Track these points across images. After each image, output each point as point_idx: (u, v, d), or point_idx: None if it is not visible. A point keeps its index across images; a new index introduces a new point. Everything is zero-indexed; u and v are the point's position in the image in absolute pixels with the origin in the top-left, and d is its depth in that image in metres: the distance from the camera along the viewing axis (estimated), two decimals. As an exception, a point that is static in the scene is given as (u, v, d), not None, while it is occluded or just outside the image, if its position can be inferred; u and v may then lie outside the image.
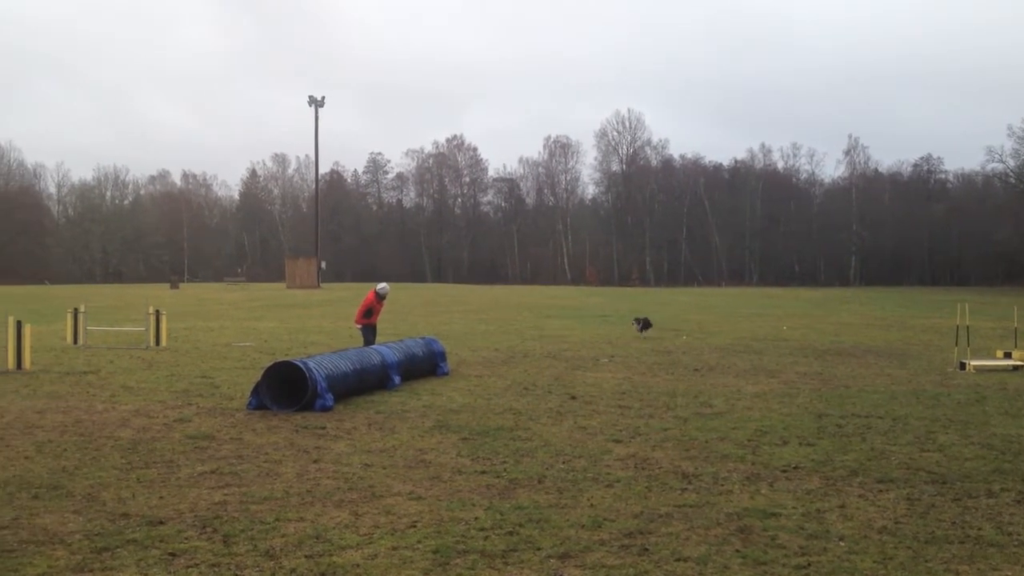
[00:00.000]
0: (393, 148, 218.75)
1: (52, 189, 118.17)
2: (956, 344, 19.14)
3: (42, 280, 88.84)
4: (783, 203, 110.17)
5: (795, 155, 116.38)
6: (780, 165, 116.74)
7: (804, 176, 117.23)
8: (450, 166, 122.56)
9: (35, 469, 8.67)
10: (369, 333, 18.50)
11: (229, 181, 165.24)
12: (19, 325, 16.71)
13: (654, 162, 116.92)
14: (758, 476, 8.57)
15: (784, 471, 8.79)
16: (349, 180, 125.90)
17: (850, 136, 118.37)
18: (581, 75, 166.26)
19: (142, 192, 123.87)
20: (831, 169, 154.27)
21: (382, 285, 19.23)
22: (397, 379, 14.78)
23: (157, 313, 22.20)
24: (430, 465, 8.99)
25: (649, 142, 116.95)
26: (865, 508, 7.43)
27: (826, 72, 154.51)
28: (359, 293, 56.98)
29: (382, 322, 20.16)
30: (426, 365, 16.26)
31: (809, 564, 6.01)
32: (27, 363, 16.79)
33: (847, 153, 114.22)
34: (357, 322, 18.92)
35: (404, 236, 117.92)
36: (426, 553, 6.18)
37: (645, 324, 25.23)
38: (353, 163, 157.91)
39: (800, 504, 7.53)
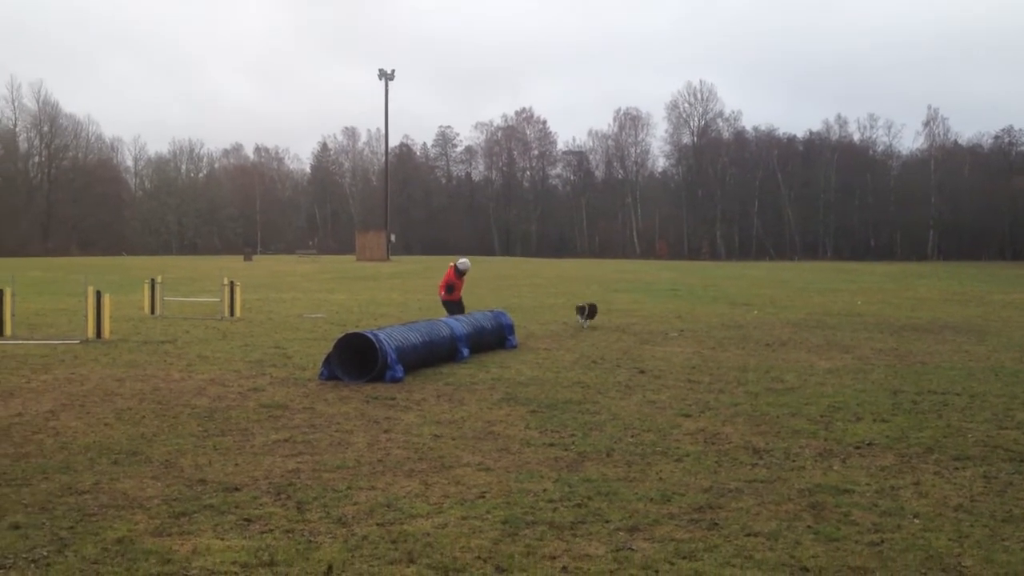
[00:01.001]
0: (462, 122, 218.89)
1: (129, 162, 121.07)
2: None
3: (120, 252, 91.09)
4: (859, 175, 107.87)
5: (872, 126, 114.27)
6: (856, 137, 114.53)
7: (881, 148, 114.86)
8: (519, 139, 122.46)
9: (115, 435, 8.91)
10: (453, 307, 18.29)
11: (301, 154, 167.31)
12: (99, 295, 17.14)
13: (726, 134, 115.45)
14: (831, 452, 8.45)
15: (857, 447, 8.66)
16: (418, 153, 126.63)
17: (929, 107, 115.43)
18: (651, 47, 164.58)
19: (216, 165, 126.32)
20: (909, 141, 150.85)
21: (462, 261, 19.07)
22: (466, 351, 14.86)
23: (231, 284, 22.59)
24: (499, 437, 9.04)
25: (721, 114, 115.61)
26: (940, 486, 7.29)
27: (904, 41, 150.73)
28: (428, 266, 57.51)
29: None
30: (495, 338, 16.32)
31: (883, 541, 5.92)
32: (107, 332, 17.23)
33: (926, 125, 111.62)
34: (441, 296, 18.86)
35: (473, 209, 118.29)
36: (495, 523, 6.22)
37: (590, 312, 20.80)
38: (422, 137, 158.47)
39: (874, 481, 7.42)
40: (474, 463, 7.93)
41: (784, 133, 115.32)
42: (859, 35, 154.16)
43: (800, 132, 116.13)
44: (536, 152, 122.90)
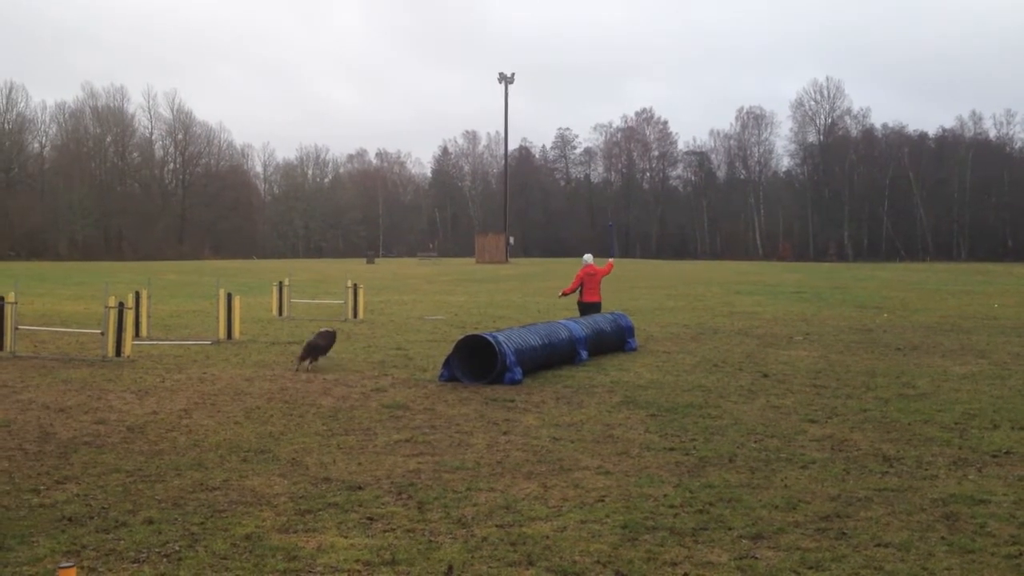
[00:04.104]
0: (581, 124, 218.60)
1: (259, 168, 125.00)
2: None
3: (250, 255, 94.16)
4: (995, 173, 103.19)
5: (1008, 122, 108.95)
6: (992, 133, 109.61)
7: (1019, 145, 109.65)
8: (639, 140, 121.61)
9: (244, 434, 9.19)
10: (588, 309, 17.66)
11: (422, 158, 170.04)
12: (229, 297, 17.72)
13: (854, 132, 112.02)
14: (966, 461, 8.10)
15: (994, 456, 8.27)
16: (537, 156, 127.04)
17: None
18: (774, 45, 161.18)
19: (341, 171, 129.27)
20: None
21: (586, 256, 18.75)
22: (585, 354, 14.81)
23: (355, 287, 23.06)
24: (618, 440, 8.97)
25: (849, 111, 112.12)
26: (1087, 499, 6.90)
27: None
28: (547, 268, 57.62)
29: (569, 298, 20.07)
30: (614, 340, 16.21)
31: (1021, 553, 5.63)
32: (237, 333, 17.81)
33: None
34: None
35: (592, 211, 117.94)
36: (615, 528, 6.16)
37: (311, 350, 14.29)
38: (541, 140, 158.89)
39: (1012, 491, 7.07)
40: (593, 466, 7.88)
41: (915, 130, 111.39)
42: (991, 29, 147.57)
43: (932, 129, 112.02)
44: (656, 153, 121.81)
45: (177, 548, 5.72)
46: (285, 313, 23.09)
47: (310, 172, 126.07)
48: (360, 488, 7.13)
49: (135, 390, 11.85)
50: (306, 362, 13.82)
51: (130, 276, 40.92)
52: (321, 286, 36.96)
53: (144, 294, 18.35)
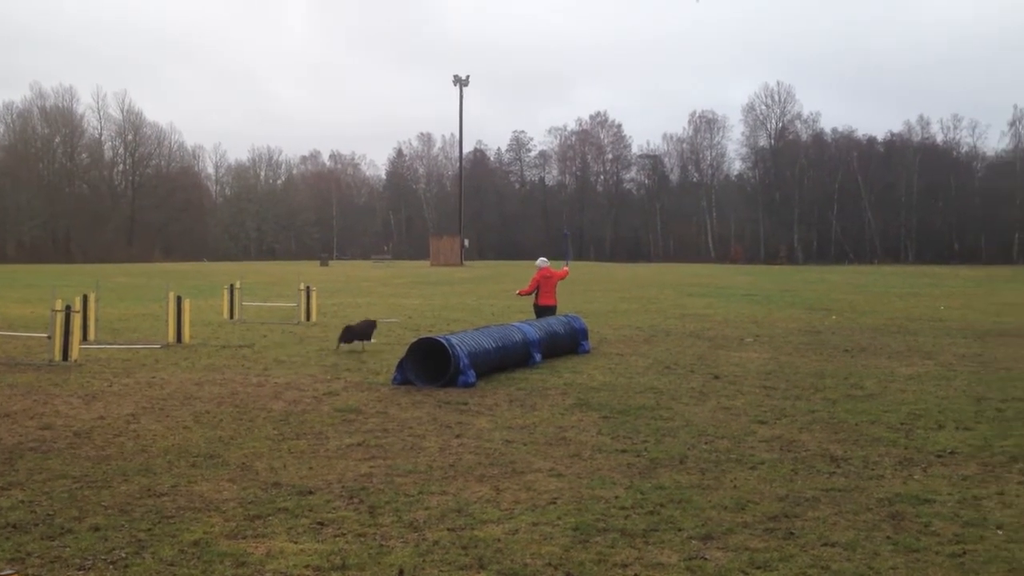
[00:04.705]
0: (536, 127, 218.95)
1: (210, 170, 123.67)
2: None
3: (201, 257, 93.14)
4: (942, 177, 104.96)
5: (955, 127, 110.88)
6: (939, 138, 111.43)
7: (965, 149, 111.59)
8: (593, 143, 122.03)
9: (193, 438, 9.09)
10: (544, 312, 17.72)
11: (377, 160, 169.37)
12: (179, 300, 17.53)
13: (804, 137, 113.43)
14: (911, 461, 8.24)
15: (939, 456, 8.43)
16: (492, 159, 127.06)
17: (1015, 107, 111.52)
18: (725, 50, 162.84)
19: (294, 172, 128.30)
20: (995, 142, 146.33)
21: (540, 259, 18.79)
22: (538, 356, 14.84)
23: (308, 289, 22.92)
24: (570, 443, 9.00)
25: (799, 116, 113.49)
26: (1027, 497, 7.05)
27: (987, 40, 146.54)
28: (502, 271, 57.62)
29: (524, 300, 20.10)
30: (567, 343, 16.26)
31: (964, 552, 5.74)
32: (187, 337, 17.61)
33: (1011, 125, 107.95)
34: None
35: (546, 214, 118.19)
36: (566, 530, 6.18)
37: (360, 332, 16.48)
38: (495, 142, 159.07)
39: (956, 490, 7.20)
40: (545, 469, 7.90)
41: (864, 134, 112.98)
42: (940, 36, 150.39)
43: (880, 134, 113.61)
44: (610, 156, 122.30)
45: (124, 555, 5.64)
46: (236, 316, 22.87)
47: (262, 173, 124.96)
48: (311, 493, 7.08)
49: (82, 395, 11.67)
50: (342, 345, 15.50)
51: (78, 279, 40.27)
52: (274, 289, 36.67)
53: (92, 297, 18.08)
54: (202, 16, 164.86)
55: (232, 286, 23.42)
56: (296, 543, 5.90)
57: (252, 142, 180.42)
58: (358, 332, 16.20)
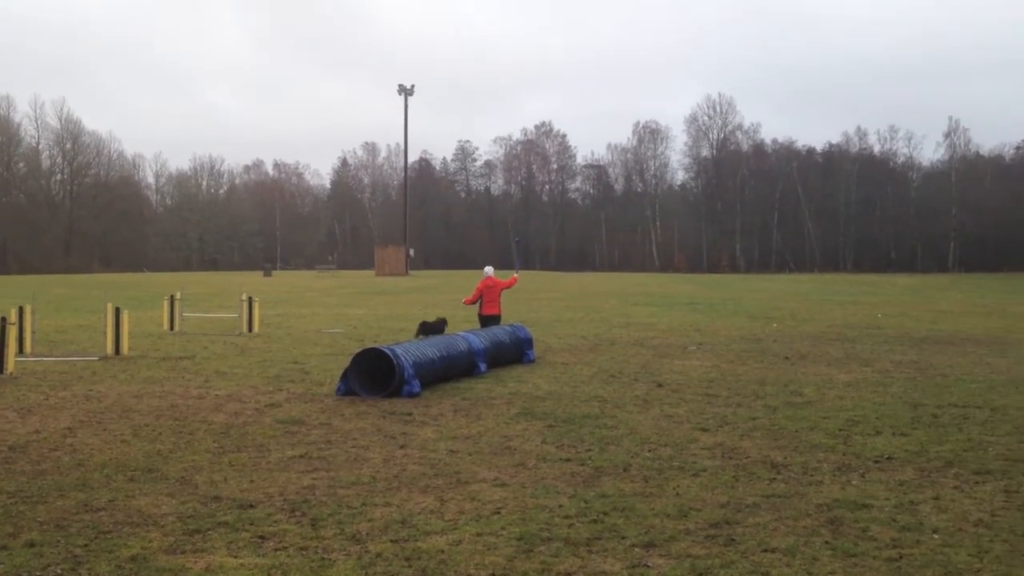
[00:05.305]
0: (481, 137, 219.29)
1: (151, 179, 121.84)
2: (1061, 332, 18.38)
3: (141, 268, 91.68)
4: (880, 187, 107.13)
5: (892, 138, 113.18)
6: (876, 149, 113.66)
7: (901, 160, 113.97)
8: (538, 153, 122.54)
9: (131, 452, 8.93)
10: (489, 322, 17.65)
11: (321, 170, 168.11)
12: (117, 312, 17.24)
13: (745, 147, 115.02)
14: (849, 466, 8.37)
15: (876, 462, 8.57)
16: (438, 168, 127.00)
17: (950, 118, 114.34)
18: (671, 63, 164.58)
19: (237, 181, 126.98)
20: (930, 152, 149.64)
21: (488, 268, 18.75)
22: (483, 366, 14.83)
23: (250, 300, 22.67)
24: (515, 452, 9.00)
25: (740, 127, 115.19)
26: (960, 500, 7.20)
27: (923, 53, 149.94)
28: (448, 280, 57.52)
29: (469, 310, 20.07)
30: (513, 352, 16.27)
31: (901, 557, 5.84)
32: (125, 349, 17.32)
33: (947, 136, 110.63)
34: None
35: (492, 224, 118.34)
36: (510, 540, 6.18)
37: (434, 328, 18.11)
38: (441, 152, 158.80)
39: (893, 495, 7.34)
40: (490, 479, 7.89)
41: (803, 145, 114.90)
42: (877, 47, 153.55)
43: (820, 144, 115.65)
44: (555, 166, 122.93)
45: (60, 571, 5.53)
46: (177, 328, 22.54)
47: (204, 183, 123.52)
48: (251, 506, 7.00)
49: (17, 408, 11.41)
50: (419, 338, 16.22)
51: (14, 290, 39.43)
52: (215, 299, 36.20)
53: (28, 309, 17.70)
54: (140, 25, 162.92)
55: (172, 297, 23.07)
56: (236, 557, 5.82)
57: (194, 151, 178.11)
58: (432, 327, 17.87)
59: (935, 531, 6.39)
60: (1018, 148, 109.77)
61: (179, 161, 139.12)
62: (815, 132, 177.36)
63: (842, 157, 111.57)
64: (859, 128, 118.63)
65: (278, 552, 5.93)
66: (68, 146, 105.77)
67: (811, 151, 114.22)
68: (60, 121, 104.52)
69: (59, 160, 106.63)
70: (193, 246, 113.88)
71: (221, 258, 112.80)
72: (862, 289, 51.40)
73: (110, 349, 17.14)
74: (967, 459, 8.64)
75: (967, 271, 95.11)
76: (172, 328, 22.55)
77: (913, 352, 18.40)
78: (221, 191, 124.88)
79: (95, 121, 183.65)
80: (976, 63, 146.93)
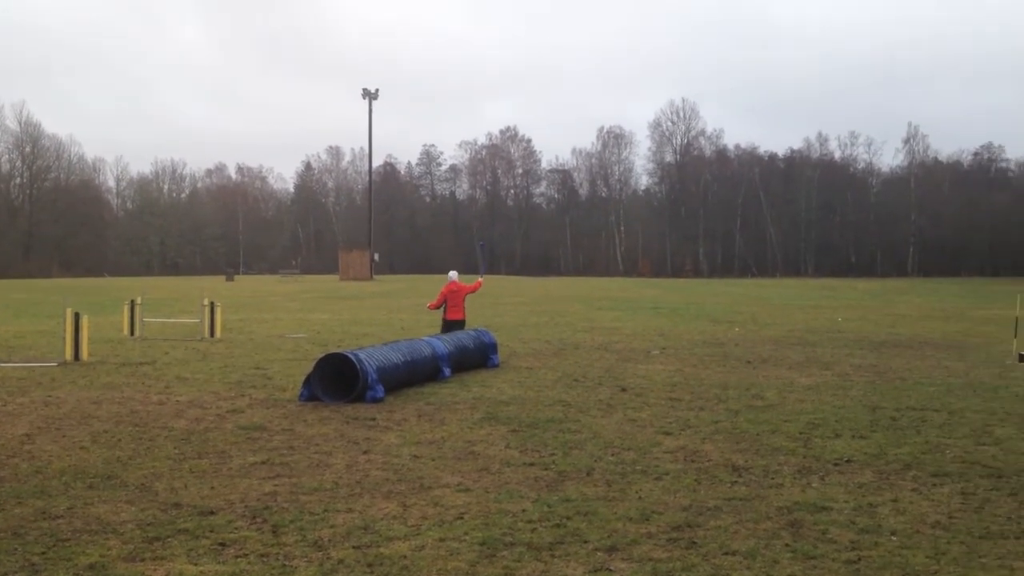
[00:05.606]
0: (446, 141, 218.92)
1: (111, 183, 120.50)
2: (1015, 336, 18.69)
3: (102, 272, 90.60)
4: (840, 193, 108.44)
5: (852, 144, 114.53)
6: (837, 154, 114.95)
7: (862, 165, 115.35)
8: (503, 157, 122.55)
9: (90, 459, 8.83)
10: (452, 327, 17.72)
11: (285, 174, 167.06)
12: (77, 317, 17.04)
13: (708, 152, 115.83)
14: (809, 469, 8.46)
15: (836, 464, 8.67)
16: (403, 172, 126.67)
17: (909, 124, 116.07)
18: (635, 68, 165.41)
19: (199, 185, 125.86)
20: (889, 158, 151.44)
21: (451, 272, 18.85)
22: (448, 371, 14.82)
23: (212, 305, 22.49)
24: (479, 457, 9.00)
25: (703, 132, 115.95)
26: (918, 502, 7.30)
27: (883, 59, 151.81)
28: (412, 285, 57.39)
29: (433, 314, 20.05)
30: (477, 357, 16.27)
31: (860, 559, 5.91)
32: (85, 354, 17.11)
33: (906, 142, 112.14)
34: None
35: (457, 228, 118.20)
36: (473, 545, 6.18)
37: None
38: (406, 156, 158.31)
39: (852, 498, 7.42)
40: (453, 484, 7.88)
41: (766, 151, 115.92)
42: (838, 54, 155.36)
43: (781, 150, 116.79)
44: (520, 170, 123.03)
45: (14, 581, 5.45)
46: (137, 333, 22.29)
47: (166, 187, 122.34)
48: (212, 513, 6.94)
49: (-28, 416, 11.23)
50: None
51: (-30, 295, 38.82)
52: (177, 304, 35.88)
53: (-16, 314, 17.45)
54: (101, 28, 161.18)
55: (133, 302, 22.82)
56: (196, 565, 5.77)
57: (155, 155, 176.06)
58: (450, 324, 18.31)
59: (893, 533, 6.47)
60: (976, 154, 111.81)
61: (140, 165, 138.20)
62: (777, 138, 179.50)
63: (803, 163, 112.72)
64: (820, 134, 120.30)
65: (239, 559, 5.89)
66: (28, 149, 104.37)
67: (773, 157, 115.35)
68: (20, 124, 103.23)
69: (18, 164, 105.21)
70: (154, 250, 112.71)
71: (183, 262, 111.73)
72: (823, 293, 51.95)
73: (69, 355, 16.93)
74: (925, 461, 8.76)
75: (926, 275, 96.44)
76: (133, 333, 22.30)
77: (872, 356, 18.62)
78: (183, 195, 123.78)
79: (55, 124, 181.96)
80: (935, 70, 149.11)
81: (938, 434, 10.17)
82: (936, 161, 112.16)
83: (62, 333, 17.34)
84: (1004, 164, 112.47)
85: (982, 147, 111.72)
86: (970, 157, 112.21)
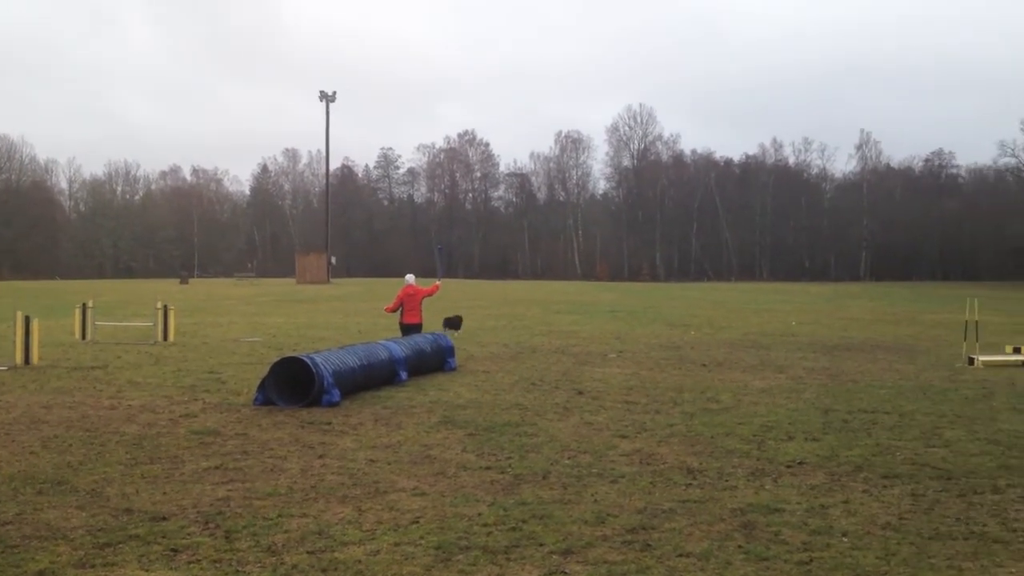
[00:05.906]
0: (404, 144, 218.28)
1: (64, 184, 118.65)
2: (965, 339, 19.01)
3: (53, 275, 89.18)
4: (794, 198, 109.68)
5: (806, 150, 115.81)
6: (791, 160, 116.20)
7: (815, 171, 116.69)
8: (461, 161, 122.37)
9: (40, 464, 8.69)
10: (411, 331, 17.57)
11: (241, 176, 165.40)
12: (27, 320, 16.77)
13: (665, 157, 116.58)
14: (763, 471, 8.54)
15: (789, 466, 8.76)
16: (360, 175, 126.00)
17: (862, 131, 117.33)
18: (592, 73, 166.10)
19: (153, 187, 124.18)
20: (842, 164, 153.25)
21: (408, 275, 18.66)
22: (404, 374, 14.78)
23: (165, 308, 22.24)
24: (435, 461, 8.99)
25: (660, 137, 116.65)
26: (869, 504, 7.40)
27: (836, 67, 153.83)
28: (370, 288, 57.11)
29: (390, 318, 19.97)
30: (434, 361, 16.24)
31: (811, 560, 5.98)
32: (35, 358, 16.85)
33: (858, 148, 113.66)
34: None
35: (415, 231, 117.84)
36: (428, 549, 6.17)
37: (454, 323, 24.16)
38: (364, 159, 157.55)
39: (804, 499, 7.51)
40: (409, 488, 7.86)
41: (722, 156, 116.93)
42: (792, 60, 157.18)
43: (737, 155, 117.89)
44: (479, 174, 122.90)
45: (-40, 590, 5.36)
46: (89, 337, 21.99)
47: (119, 189, 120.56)
48: (164, 519, 6.86)
49: (-83, 421, 11.01)
50: (450, 331, 18.74)
51: (-84, 298, 38.03)
52: (130, 308, 35.41)
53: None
54: (51, 28, 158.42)
55: (85, 305, 22.51)
56: (148, 571, 5.71)
57: (109, 156, 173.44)
58: (452, 322, 23.11)
59: (844, 534, 6.55)
60: (927, 160, 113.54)
61: (93, 166, 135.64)
62: (733, 143, 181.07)
63: (758, 168, 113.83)
64: (775, 139, 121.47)
65: (191, 565, 5.83)
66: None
67: (728, 162, 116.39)
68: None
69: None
70: (107, 253, 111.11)
71: (136, 265, 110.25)
72: (777, 297, 52.49)
73: (19, 358, 16.65)
74: (876, 463, 8.89)
75: (878, 280, 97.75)
76: (84, 337, 21.99)
77: (825, 359, 18.85)
78: (136, 197, 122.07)
79: (6, 125, 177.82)
80: (887, 76, 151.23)
81: (889, 436, 10.33)
82: (888, 167, 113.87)
83: (12, 337, 17.06)
84: (954, 170, 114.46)
85: (933, 154, 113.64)
86: (921, 163, 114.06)
